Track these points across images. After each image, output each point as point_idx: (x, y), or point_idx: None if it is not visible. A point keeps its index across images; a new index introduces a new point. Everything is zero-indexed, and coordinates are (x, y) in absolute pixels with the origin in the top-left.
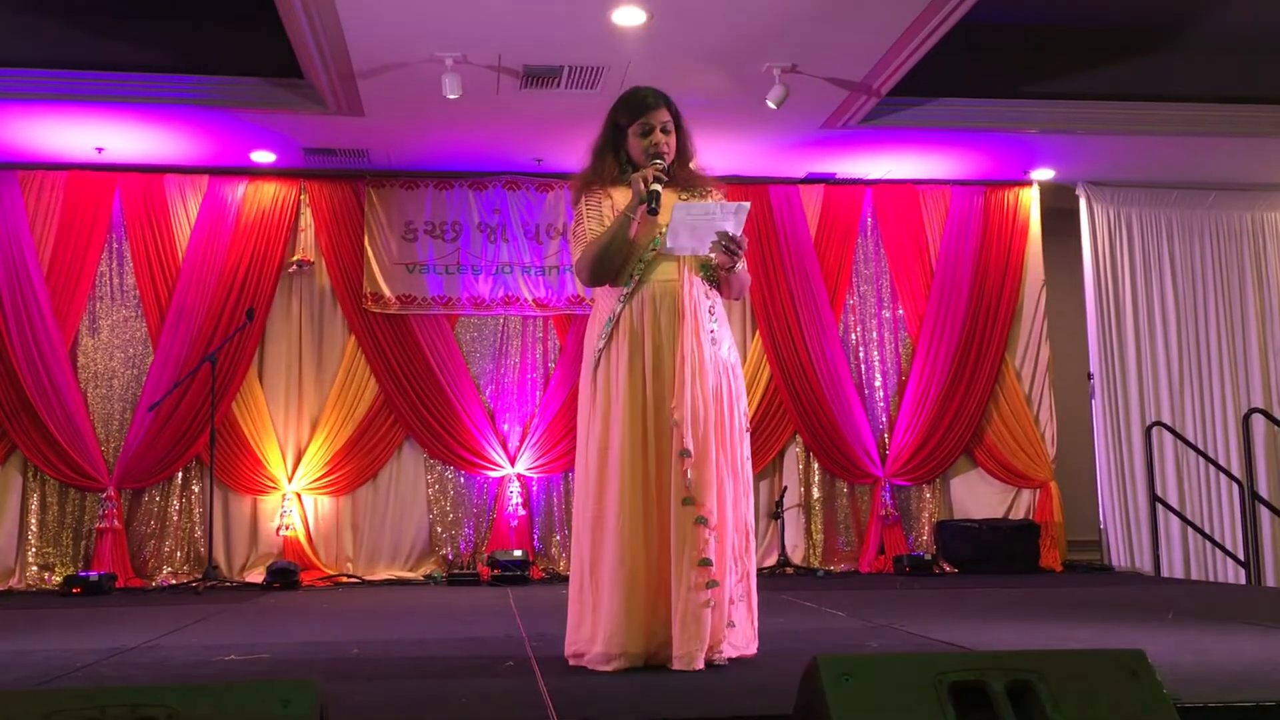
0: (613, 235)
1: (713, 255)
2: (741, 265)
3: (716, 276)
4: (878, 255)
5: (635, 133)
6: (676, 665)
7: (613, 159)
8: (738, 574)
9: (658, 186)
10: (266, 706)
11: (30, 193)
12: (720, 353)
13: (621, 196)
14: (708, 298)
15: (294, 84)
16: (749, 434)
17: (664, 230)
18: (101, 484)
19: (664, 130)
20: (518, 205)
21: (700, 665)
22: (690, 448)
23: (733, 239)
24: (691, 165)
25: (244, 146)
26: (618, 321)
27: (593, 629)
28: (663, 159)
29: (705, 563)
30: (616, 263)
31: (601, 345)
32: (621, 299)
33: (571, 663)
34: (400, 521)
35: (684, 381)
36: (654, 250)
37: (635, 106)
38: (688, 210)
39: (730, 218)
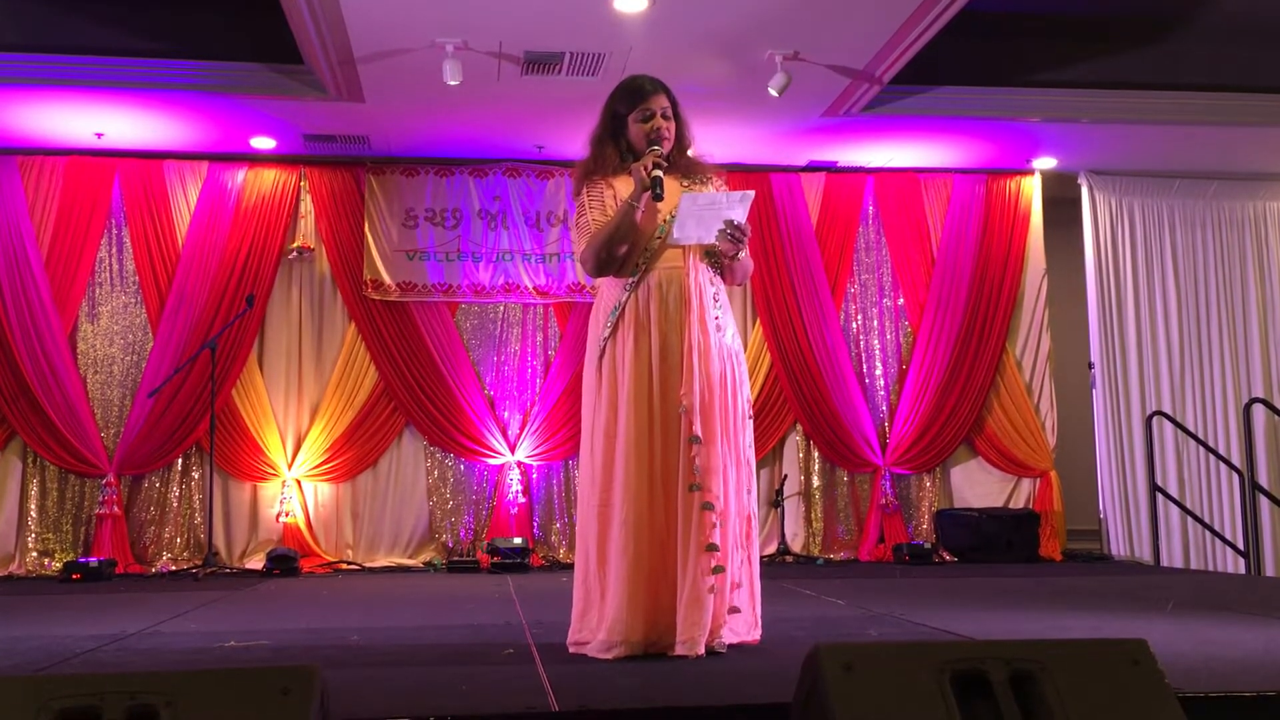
0: (617, 224)
1: (718, 243)
2: (744, 252)
3: (720, 263)
4: (879, 244)
5: (635, 119)
6: (679, 650)
7: (613, 148)
8: (738, 560)
9: (659, 173)
10: (266, 693)
11: (30, 178)
12: (725, 339)
13: (623, 185)
14: (712, 284)
15: (294, 70)
16: (751, 421)
17: (668, 218)
18: (101, 470)
19: (664, 116)
20: (518, 192)
21: (701, 651)
22: (700, 434)
23: (738, 227)
24: (690, 153)
25: (244, 132)
26: (623, 310)
27: (599, 618)
28: (662, 144)
29: (712, 548)
30: (622, 252)
31: (607, 334)
32: (627, 288)
33: (572, 650)
34: (400, 508)
35: (692, 368)
36: (659, 239)
37: (634, 94)
38: (694, 200)
39: (737, 206)
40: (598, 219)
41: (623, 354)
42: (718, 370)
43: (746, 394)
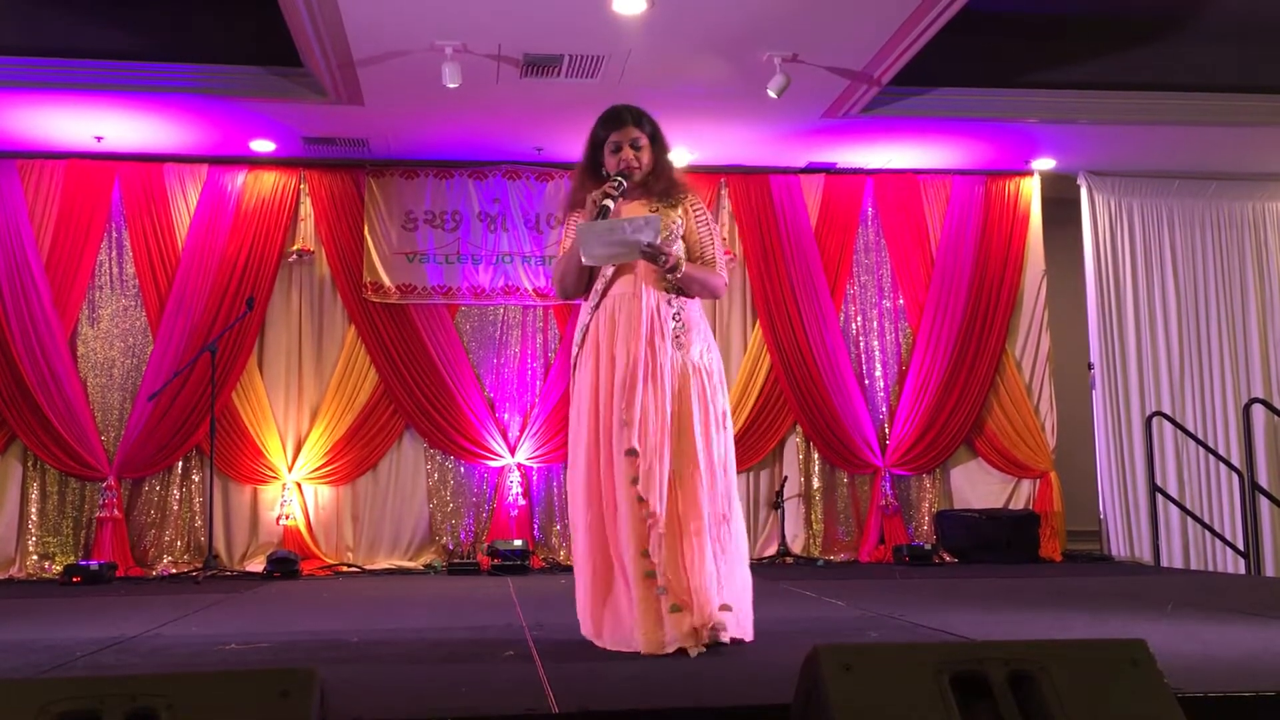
0: (571, 250)
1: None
2: (686, 268)
3: (677, 284)
4: (878, 245)
5: (608, 150)
6: (645, 650)
7: (592, 180)
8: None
9: (609, 203)
10: (266, 695)
11: (29, 182)
12: (691, 355)
13: None
14: (670, 305)
15: (293, 73)
16: (726, 431)
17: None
18: (101, 473)
19: (634, 146)
20: (518, 194)
21: (669, 650)
22: (638, 447)
23: (651, 246)
24: (672, 176)
25: (243, 135)
26: (587, 331)
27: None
28: (627, 175)
29: (645, 554)
30: (578, 277)
31: (576, 353)
32: (591, 310)
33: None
34: (400, 511)
35: (635, 385)
36: (614, 265)
37: (606, 125)
38: (591, 227)
39: (642, 229)
40: (568, 247)
41: (584, 372)
42: (671, 387)
43: (721, 406)
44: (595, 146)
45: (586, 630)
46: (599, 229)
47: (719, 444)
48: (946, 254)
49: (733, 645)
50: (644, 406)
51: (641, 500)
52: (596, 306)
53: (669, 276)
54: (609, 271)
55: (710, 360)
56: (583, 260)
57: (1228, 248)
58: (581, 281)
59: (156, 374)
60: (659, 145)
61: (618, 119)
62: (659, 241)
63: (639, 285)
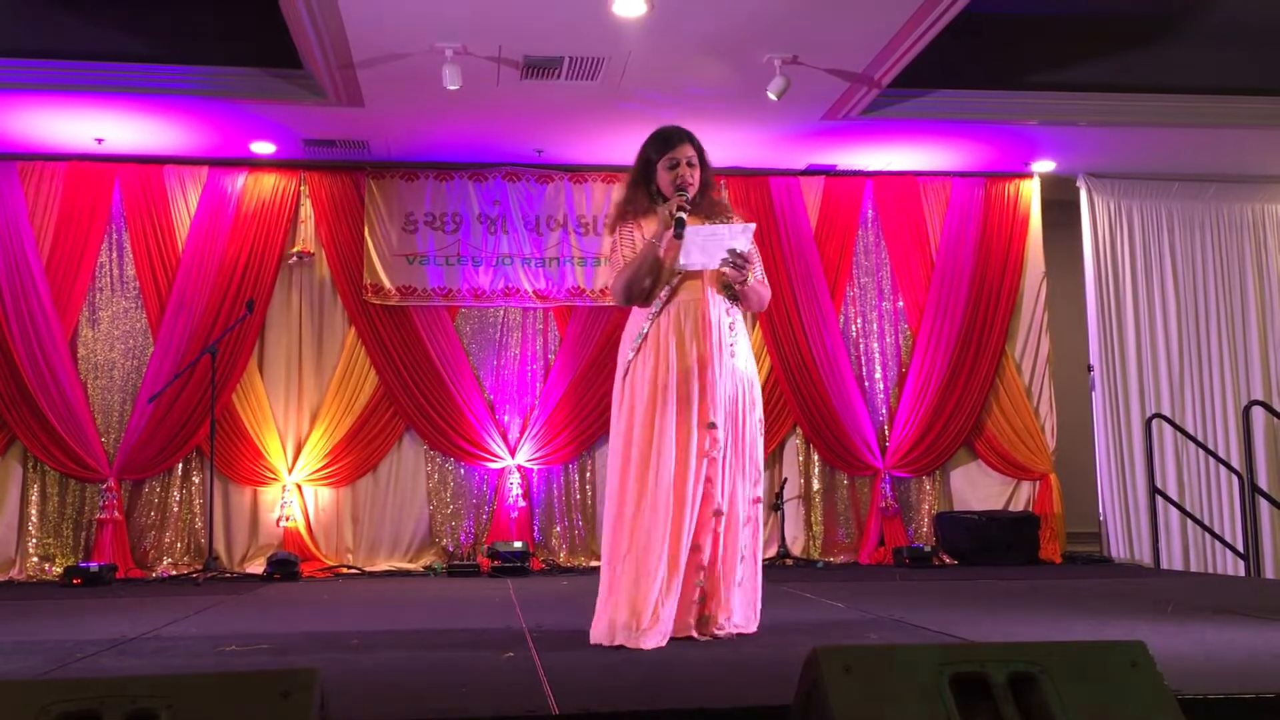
0: (642, 259)
1: (725, 270)
2: (754, 279)
3: (735, 293)
4: (878, 247)
5: (663, 166)
6: (672, 634)
7: (644, 192)
8: (745, 557)
9: (682, 214)
10: (266, 696)
11: (30, 183)
12: (738, 365)
13: (650, 225)
14: (729, 315)
15: (294, 75)
16: (762, 438)
17: None
18: (102, 475)
19: (689, 164)
20: (518, 196)
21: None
22: (719, 449)
23: (740, 254)
24: (714, 194)
25: (244, 137)
26: (646, 336)
27: (607, 603)
28: (686, 190)
29: (696, 547)
30: (646, 285)
31: (631, 356)
32: (651, 316)
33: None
34: (400, 513)
35: (716, 388)
36: (680, 272)
37: (663, 142)
38: (697, 231)
39: (739, 236)
40: (627, 256)
41: (643, 374)
42: (729, 392)
43: (758, 414)
44: (647, 164)
45: (618, 626)
46: (703, 234)
47: (757, 451)
48: (946, 256)
49: (733, 641)
50: (723, 409)
51: (708, 498)
52: (659, 312)
53: (739, 286)
54: (675, 279)
55: (754, 368)
56: (680, 263)
57: (1227, 250)
58: (654, 287)
59: (157, 376)
60: (705, 166)
61: (673, 139)
62: (747, 250)
63: (706, 291)
